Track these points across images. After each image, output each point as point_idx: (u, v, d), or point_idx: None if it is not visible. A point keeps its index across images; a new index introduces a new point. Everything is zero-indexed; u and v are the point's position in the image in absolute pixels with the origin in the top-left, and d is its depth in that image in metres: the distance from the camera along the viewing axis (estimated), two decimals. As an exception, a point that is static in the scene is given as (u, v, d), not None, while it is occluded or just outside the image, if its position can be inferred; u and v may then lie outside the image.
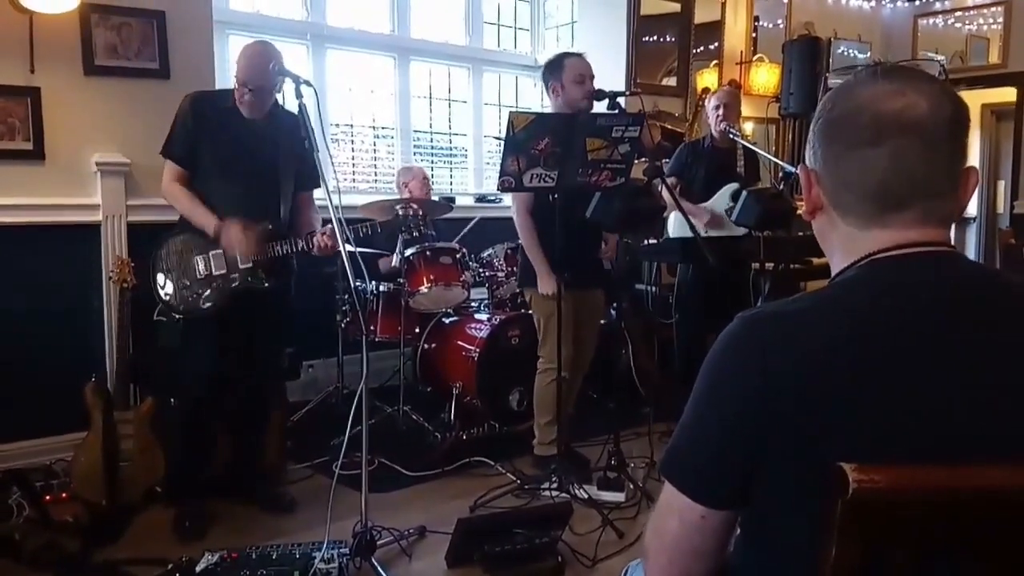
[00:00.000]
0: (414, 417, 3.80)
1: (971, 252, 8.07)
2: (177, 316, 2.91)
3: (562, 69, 3.25)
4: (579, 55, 3.33)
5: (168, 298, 2.87)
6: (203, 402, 2.94)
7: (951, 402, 0.90)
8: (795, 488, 0.92)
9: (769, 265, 3.72)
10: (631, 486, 3.17)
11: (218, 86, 3.59)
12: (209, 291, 2.84)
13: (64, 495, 2.99)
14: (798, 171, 1.06)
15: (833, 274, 1.05)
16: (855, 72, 1.02)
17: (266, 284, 2.86)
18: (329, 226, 2.88)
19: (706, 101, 4.28)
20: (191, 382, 2.92)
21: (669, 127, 5.31)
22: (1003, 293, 0.98)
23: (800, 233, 3.53)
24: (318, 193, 2.90)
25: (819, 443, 0.89)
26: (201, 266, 2.84)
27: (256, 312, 2.90)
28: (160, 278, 2.87)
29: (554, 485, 3.13)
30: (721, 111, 4.03)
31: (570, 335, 3.27)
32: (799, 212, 3.05)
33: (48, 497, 2.95)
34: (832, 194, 1.02)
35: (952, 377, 0.90)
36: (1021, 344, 0.93)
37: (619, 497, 3.11)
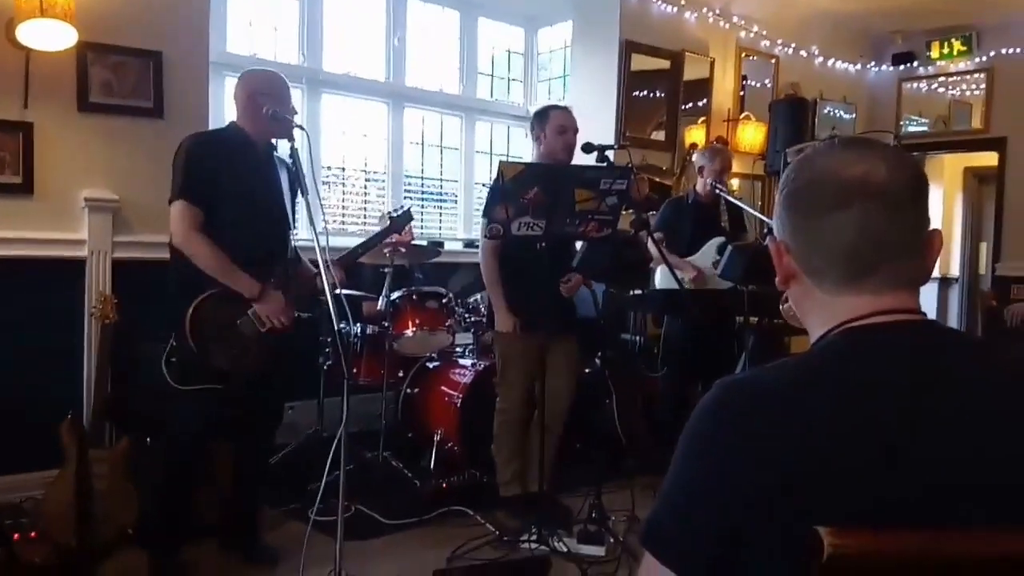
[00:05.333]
0: (394, 463, 3.75)
1: (953, 313, 8.15)
2: (229, 382, 2.72)
3: (547, 119, 3.37)
4: (565, 108, 3.46)
5: (222, 370, 2.70)
6: (199, 446, 2.86)
7: (930, 472, 0.89)
8: (774, 560, 0.91)
9: (753, 319, 3.73)
10: (611, 540, 3.13)
11: (211, 127, 3.61)
12: (261, 349, 2.74)
13: (33, 534, 2.92)
14: (768, 242, 1.08)
15: (812, 341, 1.05)
16: (813, 145, 1.04)
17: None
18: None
19: (697, 156, 4.33)
20: (191, 425, 2.77)
21: (658, 180, 5.38)
22: (978, 362, 0.98)
23: (785, 288, 3.55)
24: (306, 235, 2.90)
25: (798, 515, 0.88)
26: (248, 329, 2.72)
27: (284, 350, 2.83)
28: (204, 349, 2.67)
29: (533, 537, 3.09)
30: (724, 174, 4.14)
31: (518, 379, 3.31)
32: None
33: (16, 536, 2.88)
34: (804, 261, 1.03)
35: (931, 446, 0.90)
36: (998, 412, 0.93)
37: (599, 551, 3.07)
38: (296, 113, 2.85)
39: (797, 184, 1.03)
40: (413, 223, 3.67)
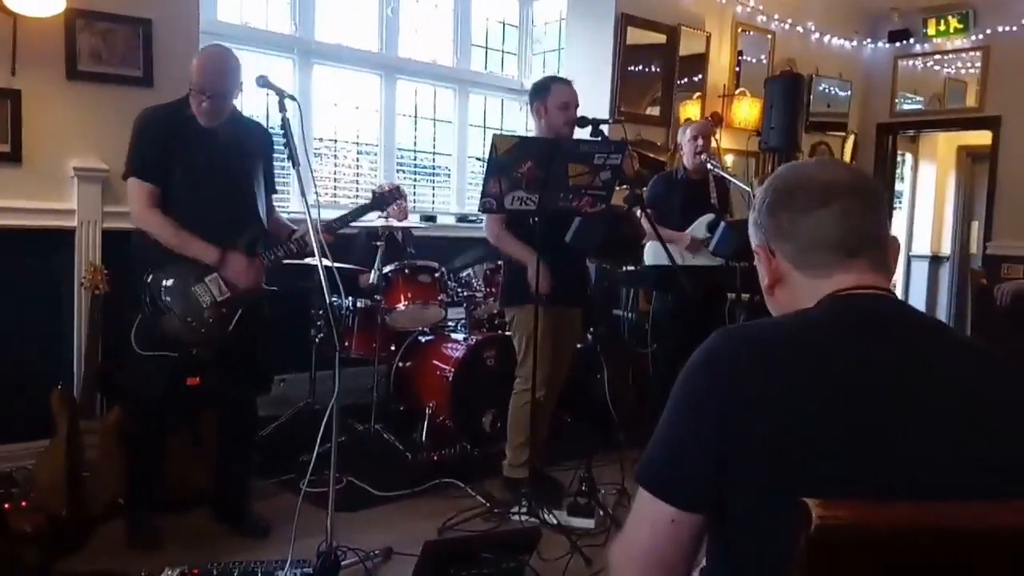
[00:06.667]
0: (386, 436, 3.76)
1: (943, 291, 8.18)
2: (188, 350, 2.75)
3: (548, 93, 3.29)
4: (567, 82, 3.37)
5: (176, 338, 2.72)
6: (161, 413, 2.87)
7: (914, 438, 0.93)
8: (763, 513, 0.95)
9: (745, 296, 3.74)
10: (601, 513, 3.16)
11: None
12: (217, 318, 2.74)
13: (24, 503, 2.92)
14: (755, 250, 1.17)
15: None
16: (780, 168, 1.18)
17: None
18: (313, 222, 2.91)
19: (680, 132, 4.30)
20: (151, 391, 2.79)
21: (651, 156, 5.36)
22: (944, 335, 1.07)
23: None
24: (298, 207, 2.88)
25: (787, 471, 0.92)
26: (205, 296, 2.73)
27: (246, 318, 2.82)
28: (158, 317, 2.71)
29: (524, 509, 3.12)
30: (700, 142, 4.06)
31: (548, 354, 3.26)
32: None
33: (7, 505, 2.88)
34: (795, 256, 1.11)
35: (915, 412, 0.94)
36: (971, 383, 0.99)
37: (588, 524, 3.09)
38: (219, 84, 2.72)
39: (779, 192, 1.13)
40: (406, 201, 3.66)
